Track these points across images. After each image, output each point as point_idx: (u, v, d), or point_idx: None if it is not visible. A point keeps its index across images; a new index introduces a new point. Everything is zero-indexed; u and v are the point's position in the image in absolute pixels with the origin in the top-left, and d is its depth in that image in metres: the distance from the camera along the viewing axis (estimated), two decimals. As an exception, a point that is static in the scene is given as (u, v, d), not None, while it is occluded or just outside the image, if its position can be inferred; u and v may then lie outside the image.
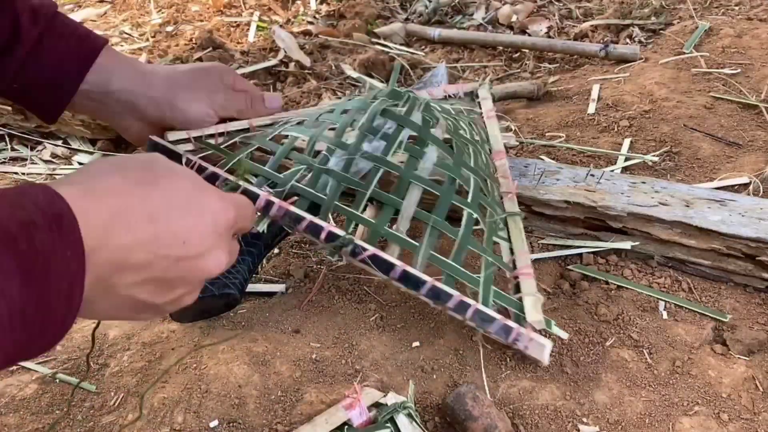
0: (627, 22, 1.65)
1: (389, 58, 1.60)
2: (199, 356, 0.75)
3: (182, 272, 0.49)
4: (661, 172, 1.09)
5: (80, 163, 1.31)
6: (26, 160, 1.33)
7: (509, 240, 0.84)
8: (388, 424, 0.65)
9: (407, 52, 1.68)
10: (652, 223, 0.86)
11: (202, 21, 1.94)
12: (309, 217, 0.75)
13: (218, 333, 0.79)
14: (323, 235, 0.74)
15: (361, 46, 1.70)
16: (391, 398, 0.68)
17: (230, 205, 0.54)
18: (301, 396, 0.71)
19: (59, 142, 1.37)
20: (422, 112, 0.87)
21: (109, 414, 0.70)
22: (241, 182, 0.76)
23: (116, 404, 0.71)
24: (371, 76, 1.56)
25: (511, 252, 0.83)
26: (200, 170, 0.79)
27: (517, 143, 1.18)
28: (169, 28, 1.90)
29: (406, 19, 1.90)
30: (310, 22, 1.89)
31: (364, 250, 0.73)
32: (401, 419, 0.66)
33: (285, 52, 1.67)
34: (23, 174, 1.28)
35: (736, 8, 1.66)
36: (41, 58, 0.73)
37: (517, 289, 0.78)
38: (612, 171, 1.06)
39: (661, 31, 1.59)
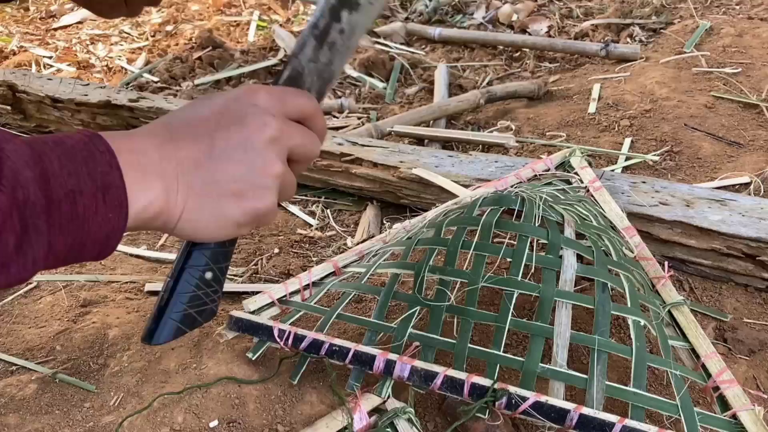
0: (628, 21, 1.65)
1: (389, 57, 1.60)
2: (199, 356, 0.75)
3: (242, 140, 0.53)
4: (661, 172, 1.09)
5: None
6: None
7: (684, 338, 0.71)
8: (389, 429, 0.65)
9: (407, 51, 1.68)
10: (653, 223, 0.86)
11: (201, 20, 1.94)
12: (443, 370, 0.64)
13: (217, 332, 0.79)
14: (466, 390, 0.63)
15: (362, 46, 1.70)
16: (391, 403, 0.67)
17: (280, 89, 0.59)
18: (301, 396, 0.71)
19: (59, 142, 1.37)
20: (543, 212, 0.74)
21: (109, 414, 0.70)
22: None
23: (116, 404, 0.71)
24: (371, 76, 1.56)
25: (693, 354, 0.70)
26: (297, 340, 0.70)
27: (517, 143, 1.18)
28: (169, 28, 1.90)
29: (407, 19, 1.90)
30: (310, 22, 1.89)
31: (523, 399, 0.61)
32: (401, 424, 0.65)
33: (285, 51, 1.67)
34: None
35: (737, 7, 1.66)
36: None
37: (722, 402, 0.65)
38: (612, 170, 1.05)
39: (661, 31, 1.59)
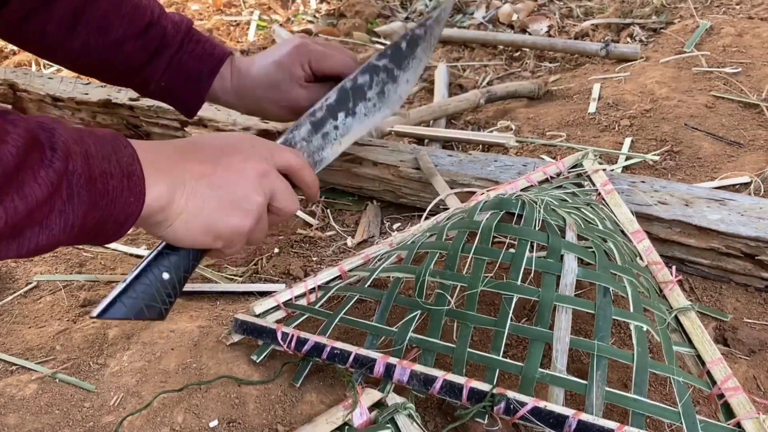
0: (628, 21, 1.65)
1: (389, 57, 1.60)
2: (199, 356, 0.75)
3: (237, 171, 0.64)
4: (662, 172, 1.09)
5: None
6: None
7: (690, 344, 0.71)
8: (389, 425, 0.65)
9: (407, 51, 1.68)
10: (651, 222, 0.86)
11: (201, 20, 1.94)
12: (442, 374, 0.65)
13: (217, 332, 0.79)
14: (465, 394, 0.63)
15: (362, 45, 1.70)
16: (392, 399, 0.68)
17: (274, 144, 0.71)
18: (301, 396, 0.71)
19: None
20: (544, 216, 0.74)
21: (109, 414, 0.70)
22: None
23: (116, 404, 0.71)
24: (371, 75, 1.56)
25: (699, 360, 0.70)
26: (300, 343, 0.72)
27: (517, 143, 1.18)
28: (169, 27, 1.89)
29: (407, 18, 1.90)
30: (310, 21, 1.89)
31: (522, 404, 0.61)
32: (402, 419, 0.65)
33: (285, 51, 1.67)
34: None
35: (737, 7, 1.66)
36: (182, 59, 0.89)
37: (727, 410, 0.65)
38: (612, 170, 1.05)
39: (661, 30, 1.59)
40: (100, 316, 0.62)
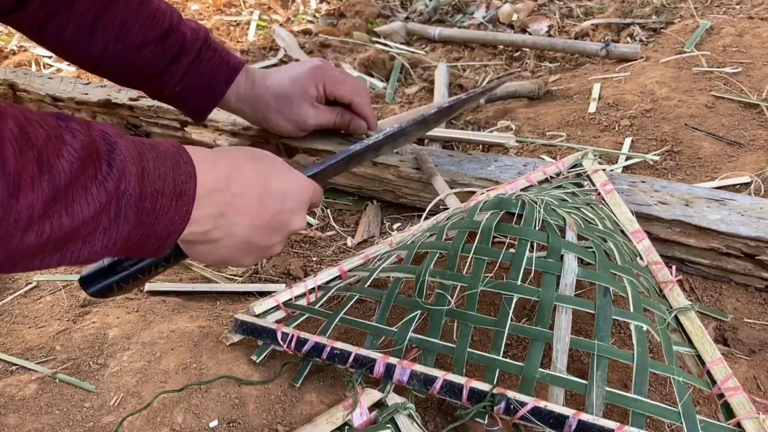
0: (628, 20, 1.65)
1: (389, 57, 1.60)
2: (199, 356, 0.75)
3: (279, 223, 0.67)
4: (662, 172, 1.08)
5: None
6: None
7: (690, 344, 0.71)
8: (389, 425, 0.65)
9: (407, 51, 1.68)
10: (651, 222, 0.86)
11: (201, 20, 1.94)
12: (442, 374, 0.65)
13: (217, 332, 0.79)
14: (465, 395, 0.63)
15: (362, 45, 1.70)
16: (392, 399, 0.68)
17: (311, 184, 0.73)
18: (301, 396, 0.71)
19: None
20: (544, 215, 0.74)
21: (109, 414, 0.70)
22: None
23: (116, 404, 0.71)
24: (371, 75, 1.56)
25: (699, 360, 0.70)
26: (300, 343, 0.72)
27: (517, 143, 1.18)
28: (169, 27, 1.89)
29: (407, 18, 1.90)
30: (311, 21, 1.89)
31: (522, 404, 0.61)
32: (402, 419, 0.65)
33: (285, 51, 1.67)
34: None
35: (737, 7, 1.66)
36: (199, 67, 0.93)
37: (727, 410, 0.65)
38: (612, 170, 1.05)
39: (662, 30, 1.59)
40: (88, 288, 0.68)
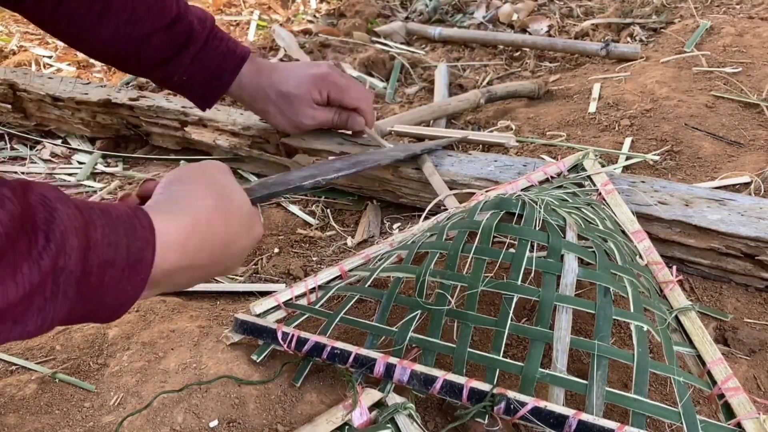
0: (628, 20, 1.65)
1: (389, 56, 1.60)
2: (199, 356, 0.75)
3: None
4: (662, 171, 1.08)
5: (80, 162, 1.31)
6: (26, 159, 1.33)
7: (690, 344, 0.70)
8: (389, 425, 0.65)
9: (407, 50, 1.68)
10: (652, 222, 0.86)
11: (202, 20, 1.94)
12: (442, 374, 0.65)
13: (217, 332, 0.79)
14: (465, 394, 0.63)
15: (362, 45, 1.70)
16: (392, 399, 0.68)
17: (258, 217, 0.70)
18: (301, 396, 0.71)
19: (59, 142, 1.37)
20: (544, 215, 0.73)
21: (109, 414, 0.70)
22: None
23: (116, 404, 0.71)
24: (371, 75, 1.56)
25: (699, 360, 0.69)
26: (300, 343, 0.71)
27: (517, 143, 1.18)
28: (169, 27, 1.89)
29: (407, 18, 1.90)
30: (311, 21, 1.89)
31: (522, 404, 0.61)
32: (402, 419, 0.65)
33: (285, 50, 1.67)
34: (22, 173, 1.28)
35: (738, 7, 1.66)
36: (207, 55, 0.93)
37: (727, 410, 0.65)
38: (613, 170, 1.05)
39: (662, 30, 1.59)
40: None
